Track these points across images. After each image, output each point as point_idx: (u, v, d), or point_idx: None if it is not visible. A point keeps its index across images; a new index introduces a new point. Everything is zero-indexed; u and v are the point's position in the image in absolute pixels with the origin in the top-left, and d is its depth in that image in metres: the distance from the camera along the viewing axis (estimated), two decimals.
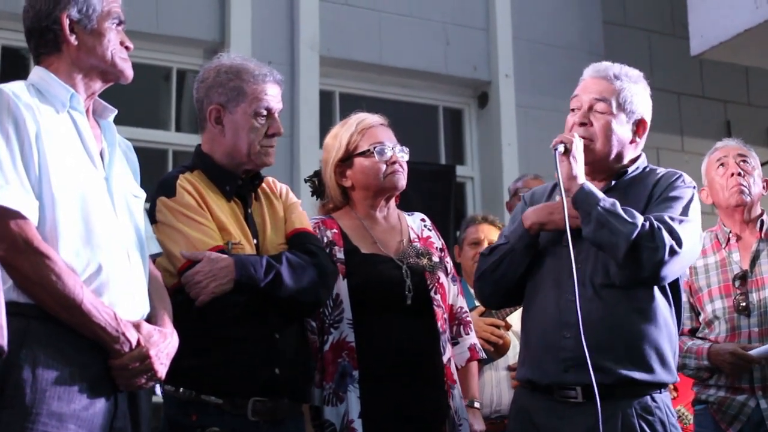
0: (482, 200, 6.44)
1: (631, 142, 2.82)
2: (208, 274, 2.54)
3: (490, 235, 4.07)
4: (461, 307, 3.16)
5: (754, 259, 3.69)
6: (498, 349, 3.67)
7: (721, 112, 7.17)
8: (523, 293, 2.88)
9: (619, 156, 2.81)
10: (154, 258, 2.52)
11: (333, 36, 5.95)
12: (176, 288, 2.56)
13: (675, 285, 2.74)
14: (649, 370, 2.63)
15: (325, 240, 2.95)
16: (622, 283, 2.65)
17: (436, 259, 3.07)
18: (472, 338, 3.16)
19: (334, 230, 3.00)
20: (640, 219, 2.60)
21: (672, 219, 2.63)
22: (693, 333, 3.77)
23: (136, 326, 2.22)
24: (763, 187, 3.81)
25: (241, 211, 2.76)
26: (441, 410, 2.93)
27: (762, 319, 3.60)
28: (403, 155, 3.05)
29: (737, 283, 3.66)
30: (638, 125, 2.82)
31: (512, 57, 6.46)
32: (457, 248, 4.27)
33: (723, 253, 3.76)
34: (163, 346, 2.26)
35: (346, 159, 3.04)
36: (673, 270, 2.63)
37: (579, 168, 2.68)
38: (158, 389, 2.44)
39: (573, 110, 2.83)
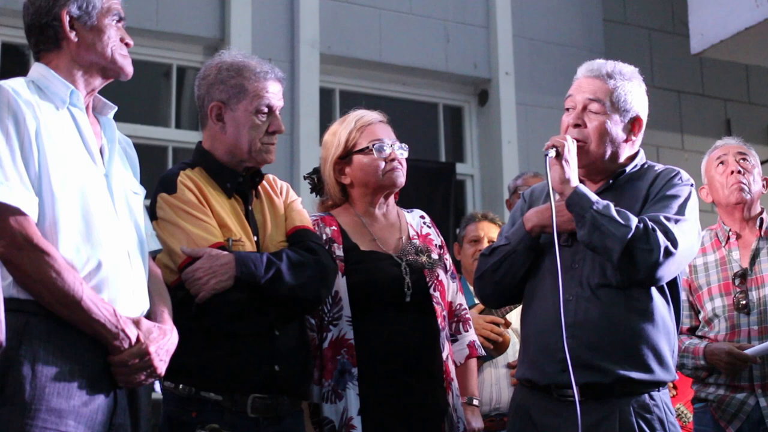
0: (482, 198, 6.44)
1: (627, 140, 2.80)
2: (208, 270, 2.54)
3: (490, 232, 4.07)
4: (460, 304, 3.16)
5: (754, 258, 3.69)
6: (497, 347, 3.67)
7: (721, 111, 7.17)
8: (523, 292, 2.87)
9: (615, 155, 2.79)
10: (153, 255, 2.53)
11: (333, 33, 5.95)
12: (176, 284, 2.56)
13: (673, 283, 2.74)
14: (647, 369, 2.63)
15: (324, 237, 2.96)
16: (618, 284, 2.65)
17: (435, 256, 3.07)
18: (471, 335, 3.17)
19: (333, 227, 3.01)
20: (634, 221, 2.59)
21: (668, 219, 2.62)
22: (692, 331, 3.77)
23: (136, 323, 2.22)
24: (763, 186, 3.81)
25: (242, 208, 2.76)
26: (440, 407, 2.93)
27: (761, 318, 3.60)
28: (402, 152, 3.05)
29: (737, 282, 3.66)
30: (633, 123, 2.80)
31: (512, 55, 6.46)
32: (456, 246, 4.27)
33: (723, 251, 3.76)
34: (163, 342, 2.27)
35: (345, 156, 3.04)
36: (669, 271, 2.62)
37: (572, 171, 2.66)
38: (158, 386, 2.44)
39: (568, 110, 2.82)
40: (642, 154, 2.88)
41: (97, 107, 2.42)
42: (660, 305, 2.69)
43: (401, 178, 3.04)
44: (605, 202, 2.64)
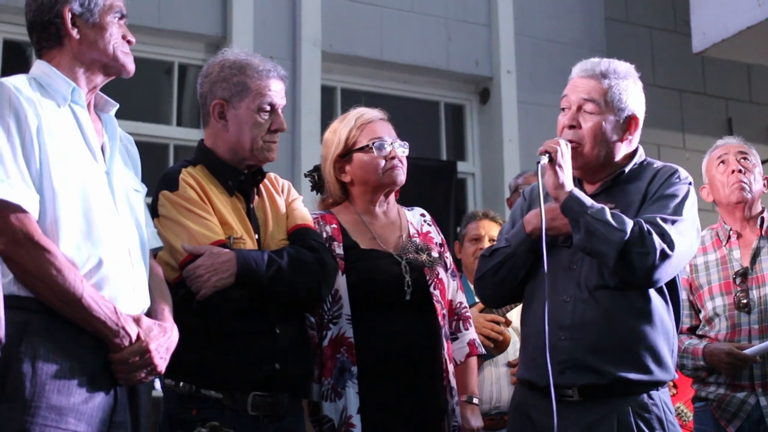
0: (483, 196, 6.44)
1: (623, 140, 2.77)
2: (209, 268, 2.54)
3: (490, 231, 4.07)
4: (461, 303, 3.16)
5: (755, 257, 3.69)
6: (498, 345, 3.67)
7: (722, 110, 7.17)
8: (524, 292, 2.87)
9: (611, 155, 2.77)
10: (154, 252, 2.53)
11: (335, 31, 5.95)
12: (177, 282, 2.56)
13: (672, 283, 2.72)
14: (646, 370, 2.62)
15: (325, 235, 2.95)
16: (615, 286, 2.64)
17: (435, 254, 3.07)
18: (471, 334, 3.17)
19: (334, 225, 3.01)
20: (629, 224, 2.57)
21: (664, 220, 2.61)
22: (693, 331, 3.77)
23: (136, 320, 2.23)
24: (764, 185, 3.81)
25: (243, 206, 2.76)
26: (440, 406, 2.93)
27: (762, 317, 3.60)
28: (402, 150, 3.05)
29: (738, 281, 3.67)
30: (629, 122, 2.77)
31: (514, 53, 6.46)
32: (457, 244, 4.27)
33: (723, 250, 3.76)
34: (163, 340, 2.27)
35: (345, 154, 3.04)
36: (666, 273, 2.61)
37: (566, 175, 2.65)
38: (158, 383, 2.44)
39: (563, 110, 2.81)
40: (641, 151, 2.85)
41: (99, 104, 2.42)
42: (658, 305, 2.68)
43: (401, 176, 3.04)
44: (600, 206, 2.63)
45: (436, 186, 6.11)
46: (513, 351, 3.69)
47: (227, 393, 2.58)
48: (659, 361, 2.64)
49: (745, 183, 3.72)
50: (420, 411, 2.88)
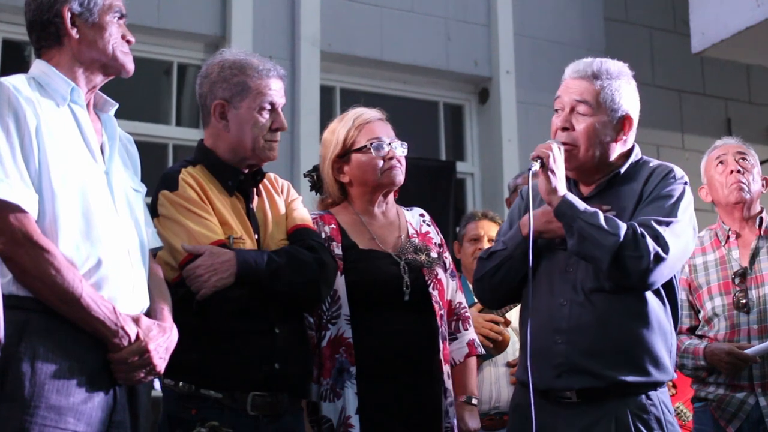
0: (482, 196, 6.44)
1: (617, 140, 2.76)
2: (209, 267, 2.54)
3: (490, 231, 4.07)
4: (460, 303, 3.16)
5: (754, 257, 3.70)
6: (497, 346, 3.67)
7: (721, 110, 7.18)
8: (522, 293, 2.87)
9: (606, 156, 2.76)
10: (154, 252, 2.53)
11: (334, 31, 5.95)
12: (177, 281, 2.56)
13: (669, 283, 2.71)
14: (644, 372, 2.62)
15: (324, 235, 2.95)
16: (611, 289, 2.64)
17: (434, 254, 3.06)
18: (470, 334, 3.16)
19: (333, 225, 3.00)
20: (622, 228, 2.56)
21: (659, 223, 2.59)
22: (692, 331, 3.77)
23: (136, 320, 2.23)
24: (763, 185, 3.81)
25: (243, 206, 2.76)
26: (438, 407, 2.93)
27: (761, 316, 3.60)
28: (401, 150, 3.04)
29: (737, 281, 3.67)
30: (623, 122, 2.76)
31: (513, 53, 6.46)
32: (456, 244, 4.27)
33: (722, 250, 3.76)
34: (162, 340, 2.27)
35: (344, 155, 3.04)
36: (661, 275, 2.60)
37: (558, 180, 2.64)
38: (157, 383, 2.44)
39: (557, 111, 2.80)
40: (637, 149, 2.84)
41: (98, 104, 2.42)
42: (655, 307, 2.67)
43: (400, 176, 3.03)
44: (593, 210, 2.61)
45: (435, 186, 6.11)
46: (512, 351, 3.69)
47: (227, 393, 2.58)
48: (657, 362, 2.64)
49: (744, 183, 3.72)
50: (419, 411, 2.88)
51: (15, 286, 2.11)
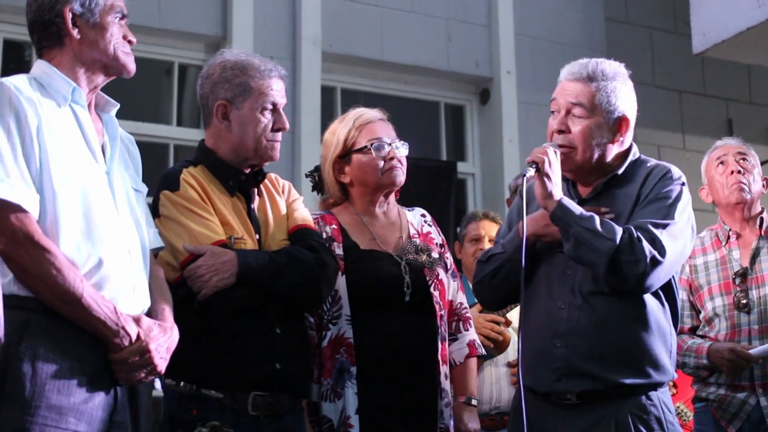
0: (483, 196, 6.44)
1: (614, 141, 2.74)
2: (210, 267, 2.54)
3: (490, 231, 4.06)
4: (461, 303, 3.16)
5: (754, 257, 3.70)
6: (498, 346, 3.67)
7: (722, 110, 7.18)
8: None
9: (603, 157, 2.74)
10: (155, 252, 2.53)
11: (335, 31, 5.96)
12: (178, 282, 2.56)
13: (668, 284, 2.70)
14: (643, 374, 2.62)
15: (325, 235, 2.95)
16: (609, 292, 2.63)
17: (435, 255, 3.06)
18: (471, 334, 3.16)
19: (334, 226, 3.00)
20: (618, 233, 2.55)
21: (655, 225, 2.58)
22: (693, 331, 3.77)
23: (136, 320, 2.23)
24: (763, 185, 3.82)
25: (244, 207, 2.76)
26: (438, 407, 2.92)
27: (762, 317, 3.60)
28: (402, 150, 3.04)
29: (737, 281, 3.67)
30: (620, 123, 2.74)
31: (514, 53, 6.46)
32: (457, 245, 4.27)
33: (723, 250, 3.76)
34: (163, 340, 2.27)
35: (344, 155, 3.04)
36: (658, 278, 2.59)
37: (554, 185, 2.62)
38: (158, 383, 2.44)
39: (553, 112, 2.79)
40: (635, 149, 2.82)
41: (100, 104, 2.43)
42: (654, 308, 2.66)
43: (400, 176, 3.03)
44: (589, 214, 2.61)
45: (436, 186, 6.11)
46: (513, 351, 3.68)
47: (228, 393, 2.58)
48: (656, 364, 2.63)
49: (744, 184, 3.72)
50: (419, 411, 2.88)
51: (16, 285, 2.11)
